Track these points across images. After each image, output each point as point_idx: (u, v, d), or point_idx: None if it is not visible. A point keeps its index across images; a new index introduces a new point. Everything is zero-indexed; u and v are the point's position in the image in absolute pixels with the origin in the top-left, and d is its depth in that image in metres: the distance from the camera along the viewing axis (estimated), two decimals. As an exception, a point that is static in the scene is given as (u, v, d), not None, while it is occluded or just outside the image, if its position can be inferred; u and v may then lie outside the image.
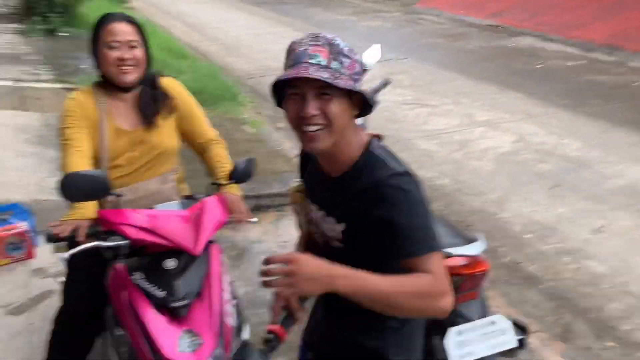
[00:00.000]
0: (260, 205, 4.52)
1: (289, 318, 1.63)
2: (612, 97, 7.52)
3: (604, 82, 8.22)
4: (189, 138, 2.64)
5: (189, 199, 2.53)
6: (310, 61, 1.51)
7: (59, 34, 9.84)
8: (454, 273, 2.42)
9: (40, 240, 4.09)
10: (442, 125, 6.76)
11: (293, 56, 1.54)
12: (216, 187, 2.50)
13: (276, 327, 1.61)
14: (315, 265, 1.45)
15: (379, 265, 1.53)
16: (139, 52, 2.41)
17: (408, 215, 1.53)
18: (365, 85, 3.39)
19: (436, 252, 1.55)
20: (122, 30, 2.38)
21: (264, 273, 1.47)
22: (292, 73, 1.49)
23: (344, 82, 1.51)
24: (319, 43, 1.53)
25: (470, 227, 4.61)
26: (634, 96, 7.56)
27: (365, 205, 1.56)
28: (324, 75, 1.48)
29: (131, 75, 2.41)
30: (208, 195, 2.42)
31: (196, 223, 2.22)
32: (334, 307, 1.78)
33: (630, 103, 7.28)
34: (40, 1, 9.71)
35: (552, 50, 10.09)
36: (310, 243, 1.85)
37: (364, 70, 3.19)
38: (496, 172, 5.56)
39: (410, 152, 5.94)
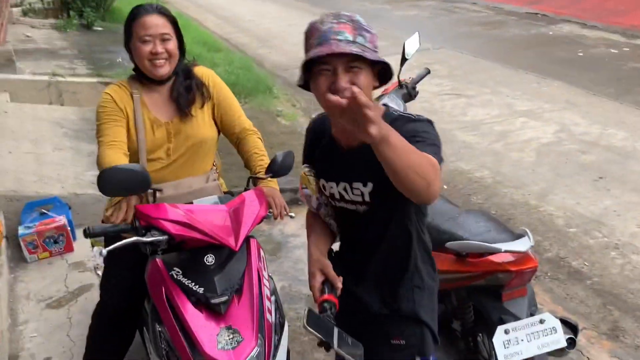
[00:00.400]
0: (296, 199, 4.49)
1: (332, 288, 1.78)
2: (659, 85, 7.29)
3: (649, 69, 7.97)
4: (224, 127, 2.61)
5: (227, 194, 2.50)
6: (338, 37, 1.62)
7: (94, 28, 9.95)
8: (503, 269, 2.35)
9: (79, 233, 4.14)
10: (482, 116, 6.63)
11: (318, 35, 1.64)
12: (254, 180, 2.47)
13: (328, 296, 1.74)
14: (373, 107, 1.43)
15: (403, 216, 1.82)
16: (171, 45, 2.39)
17: (426, 135, 1.68)
18: (405, 75, 3.34)
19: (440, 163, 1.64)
20: (154, 23, 2.36)
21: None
22: (325, 50, 1.60)
23: (371, 54, 1.63)
24: (343, 20, 1.65)
25: (511, 220, 4.50)
26: (682, 84, 7.31)
27: None
28: (354, 49, 1.60)
29: (164, 69, 2.40)
30: (246, 189, 2.39)
31: (235, 218, 2.19)
32: (367, 284, 1.94)
33: (678, 91, 7.04)
34: (75, -4, 9.86)
35: (593, 37, 9.81)
36: (336, 214, 1.98)
37: (405, 59, 3.13)
38: (538, 164, 5.42)
39: (449, 144, 5.84)
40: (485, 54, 9.15)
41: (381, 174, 1.62)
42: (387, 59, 1.66)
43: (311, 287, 1.80)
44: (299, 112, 6.99)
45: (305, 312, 1.63)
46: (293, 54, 9.71)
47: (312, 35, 1.67)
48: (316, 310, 1.71)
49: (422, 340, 1.93)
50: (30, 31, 9.42)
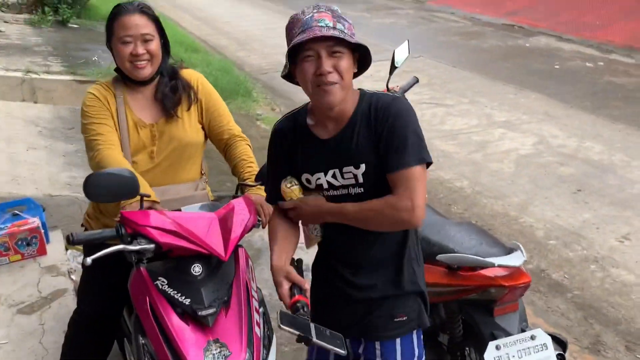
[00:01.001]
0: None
1: (300, 290, 1.84)
2: (634, 100, 7.38)
3: (624, 84, 8.07)
4: (212, 133, 2.54)
5: (215, 201, 2.43)
6: (319, 24, 1.73)
7: (70, 25, 9.75)
8: (496, 284, 2.31)
9: (52, 236, 4.00)
10: (460, 126, 6.64)
11: (300, 24, 1.76)
12: (242, 187, 2.40)
13: (298, 297, 1.80)
14: (312, 206, 1.90)
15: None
16: (153, 46, 2.31)
17: (406, 126, 1.80)
18: (392, 83, 3.30)
19: (422, 165, 1.81)
20: (135, 23, 2.28)
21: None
22: (308, 35, 1.71)
23: (351, 38, 1.75)
24: (322, 10, 1.77)
25: (491, 231, 4.48)
26: (656, 99, 7.43)
27: (374, 131, 1.81)
28: (335, 33, 1.71)
29: (145, 70, 2.32)
30: (235, 196, 2.32)
31: (224, 226, 2.11)
32: (367, 270, 1.97)
33: (652, 106, 7.15)
34: (51, -8, 9.64)
35: (569, 50, 9.94)
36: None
37: (394, 67, 3.09)
38: (517, 175, 5.44)
39: (428, 153, 5.83)
40: (463, 63, 9.19)
41: (371, 155, 1.81)
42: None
43: (280, 295, 1.86)
44: (278, 116, 6.91)
45: (278, 313, 1.69)
46: (273, 57, 9.64)
47: (295, 25, 1.79)
48: (288, 312, 1.77)
49: (420, 312, 2.00)
50: (4, 26, 9.18)
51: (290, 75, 1.88)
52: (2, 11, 10.14)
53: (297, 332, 1.66)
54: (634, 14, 10.79)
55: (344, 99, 1.81)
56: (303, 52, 1.76)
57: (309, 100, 1.90)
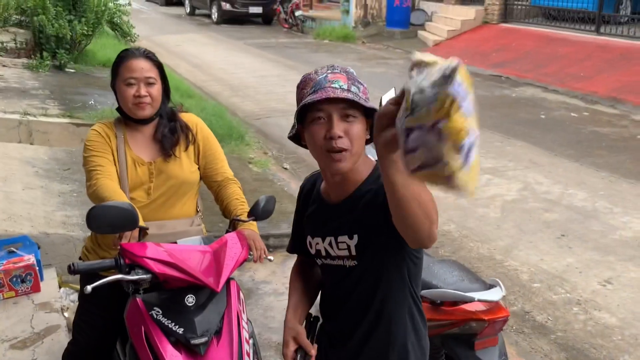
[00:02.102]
0: (268, 246, 4.47)
1: (305, 355, 1.81)
2: (617, 149, 7.60)
3: (607, 134, 8.31)
4: (207, 175, 2.67)
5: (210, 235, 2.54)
6: (333, 86, 1.64)
7: (67, 70, 9.95)
8: (476, 318, 2.42)
9: (46, 274, 4.07)
10: (448, 172, 6.80)
11: (313, 84, 1.68)
12: (235, 223, 2.51)
13: None
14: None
15: (395, 272, 1.72)
16: (155, 89, 2.47)
17: None
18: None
19: None
20: (140, 67, 2.44)
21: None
22: (321, 95, 1.62)
23: (365, 102, 1.65)
24: (337, 71, 1.70)
25: (477, 274, 4.59)
26: (638, 149, 7.63)
27: (376, 200, 1.64)
28: (349, 96, 1.62)
29: (146, 111, 2.47)
30: (228, 231, 2.44)
31: (217, 259, 2.22)
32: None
33: (635, 155, 7.35)
34: (49, 37, 9.84)
35: (555, 101, 10.22)
36: (324, 272, 1.93)
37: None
38: (503, 220, 5.58)
39: (416, 197, 5.96)
40: (451, 112, 9.41)
41: (367, 226, 1.68)
42: None
43: (284, 355, 1.83)
44: (270, 159, 7.07)
45: None
46: (266, 104, 9.87)
47: (307, 85, 1.70)
48: None
49: None
50: (2, 70, 9.37)
51: (297, 136, 1.79)
52: (1, 55, 10.34)
53: None
54: (617, 66, 11.15)
55: (352, 167, 1.70)
56: (314, 112, 1.66)
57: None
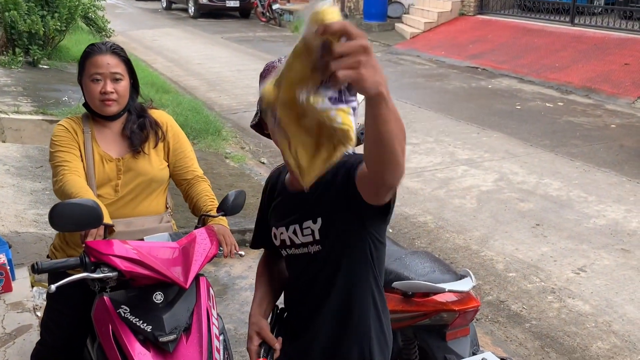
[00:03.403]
0: (244, 240, 4.49)
1: (269, 350, 1.82)
2: (591, 139, 7.67)
3: (581, 123, 8.38)
4: (176, 173, 2.63)
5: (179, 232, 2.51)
6: None
7: (40, 66, 9.80)
8: (446, 309, 2.42)
9: (18, 273, 4.01)
10: (425, 164, 6.83)
11: (275, 72, 1.61)
12: (205, 219, 2.49)
13: (262, 359, 1.79)
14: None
15: (358, 255, 1.73)
16: (121, 85, 2.42)
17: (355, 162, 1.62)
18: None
19: None
20: (106, 63, 2.39)
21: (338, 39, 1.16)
22: None
23: None
24: None
25: (453, 264, 4.61)
26: (612, 138, 7.72)
27: (336, 182, 1.66)
28: None
29: (112, 107, 2.43)
30: (197, 227, 2.41)
31: (186, 256, 2.20)
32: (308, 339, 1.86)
33: (608, 144, 7.43)
34: (22, 33, 9.67)
35: (530, 91, 10.29)
36: (288, 263, 1.95)
37: (353, 109, 3.24)
38: (479, 210, 5.60)
39: (393, 189, 5.97)
40: (428, 104, 9.46)
41: (329, 205, 1.70)
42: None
43: (248, 350, 1.85)
44: (247, 154, 7.03)
45: None
46: (243, 98, 9.81)
47: (269, 73, 1.69)
48: None
49: None
50: (-27, 66, 9.22)
51: (260, 125, 1.84)
52: (-28, 52, 10.17)
53: None
54: (591, 57, 11.25)
55: None
56: None
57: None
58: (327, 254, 1.76)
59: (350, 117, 1.22)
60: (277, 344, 1.83)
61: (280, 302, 2.05)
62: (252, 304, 1.95)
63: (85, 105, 2.51)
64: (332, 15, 1.11)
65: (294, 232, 1.81)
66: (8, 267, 3.88)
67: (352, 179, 1.59)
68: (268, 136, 1.79)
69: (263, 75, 1.74)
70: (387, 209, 1.60)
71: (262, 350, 1.82)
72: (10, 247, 4.08)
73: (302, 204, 1.78)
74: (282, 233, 1.86)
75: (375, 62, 1.15)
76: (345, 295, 1.79)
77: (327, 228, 1.73)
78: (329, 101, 1.18)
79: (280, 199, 1.90)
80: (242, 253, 2.46)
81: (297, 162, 1.34)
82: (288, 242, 1.84)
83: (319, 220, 1.73)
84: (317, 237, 1.75)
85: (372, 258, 1.78)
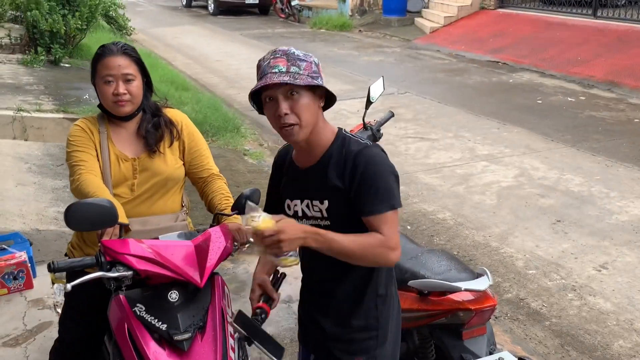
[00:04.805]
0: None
1: (268, 299, 2.07)
2: (613, 133, 7.55)
3: (604, 118, 8.26)
4: (192, 171, 2.63)
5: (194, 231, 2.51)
6: (273, 71, 1.86)
7: (62, 64, 9.91)
8: (462, 308, 2.39)
9: (39, 270, 4.06)
10: (444, 159, 6.78)
11: (260, 71, 1.91)
12: (220, 217, 2.48)
13: (262, 304, 2.04)
14: (293, 229, 1.78)
15: (360, 225, 1.91)
16: (134, 86, 2.42)
17: (377, 176, 1.89)
18: (370, 117, 3.43)
19: (394, 210, 1.90)
20: (117, 64, 2.39)
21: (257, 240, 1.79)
22: (260, 83, 1.87)
23: (302, 80, 1.85)
24: (277, 55, 1.89)
25: (472, 261, 4.58)
26: (635, 132, 7.59)
27: (342, 175, 1.91)
28: (284, 78, 1.83)
29: (126, 108, 2.44)
30: (212, 225, 2.41)
31: (201, 254, 2.19)
32: (325, 303, 2.10)
33: (631, 139, 7.31)
34: (43, 32, 9.78)
35: (552, 85, 10.16)
36: None
37: (370, 102, 3.23)
38: (499, 207, 5.55)
39: (412, 186, 5.94)
40: (448, 99, 9.39)
41: (335, 194, 1.92)
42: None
43: (250, 300, 2.08)
44: (265, 151, 7.04)
45: (236, 312, 1.96)
46: (261, 95, 9.81)
47: (258, 71, 1.93)
48: (247, 315, 1.99)
49: (378, 350, 2.06)
50: (-4, 66, 9.35)
51: (262, 111, 2.02)
52: (-4, 51, 10.32)
53: (243, 332, 1.93)
54: (613, 50, 11.07)
55: (310, 135, 1.92)
56: (263, 96, 1.92)
57: None
58: (334, 229, 1.91)
59: (289, 257, 1.84)
60: (275, 295, 2.08)
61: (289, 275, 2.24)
62: (256, 265, 2.18)
63: (100, 106, 2.52)
64: (266, 224, 1.77)
65: (307, 206, 2.01)
66: (29, 265, 3.94)
67: (356, 206, 1.90)
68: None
69: (257, 71, 1.94)
70: None
71: (262, 299, 2.06)
72: (31, 244, 4.14)
73: (312, 182, 1.98)
74: (295, 205, 2.05)
75: (289, 235, 1.75)
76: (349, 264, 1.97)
77: (333, 209, 1.94)
78: (274, 256, 1.81)
79: (292, 175, 2.08)
80: (252, 239, 2.46)
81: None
82: (300, 214, 2.03)
83: (326, 202, 1.95)
84: (325, 215, 1.96)
85: None
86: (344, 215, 1.93)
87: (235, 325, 1.93)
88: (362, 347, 2.05)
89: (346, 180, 1.90)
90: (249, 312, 2.05)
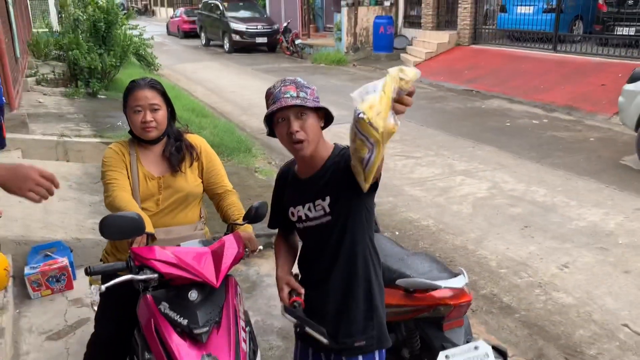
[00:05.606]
0: (270, 243, 4.48)
1: (298, 293, 2.04)
2: (572, 151, 7.56)
3: (564, 137, 8.27)
4: (209, 188, 2.64)
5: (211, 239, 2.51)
6: (285, 96, 1.91)
7: (99, 96, 9.95)
8: (443, 303, 2.39)
9: (78, 273, 4.05)
10: (427, 174, 6.78)
11: (272, 97, 1.93)
12: (233, 226, 2.49)
13: (295, 298, 2.01)
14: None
15: (357, 220, 1.97)
16: (159, 114, 2.45)
17: None
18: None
19: None
20: (144, 96, 2.41)
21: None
22: (276, 105, 1.91)
23: (310, 103, 1.92)
24: (287, 83, 1.94)
25: (452, 262, 4.57)
26: (591, 149, 7.60)
27: (338, 169, 1.94)
28: (297, 102, 1.90)
29: (152, 133, 2.46)
30: (226, 233, 2.41)
31: (216, 258, 2.19)
32: (324, 291, 2.06)
33: (588, 155, 7.31)
34: (83, 69, 9.85)
35: (519, 110, 10.18)
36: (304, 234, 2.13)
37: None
38: (474, 215, 5.54)
39: (399, 197, 5.94)
40: (429, 122, 9.40)
41: (335, 186, 1.95)
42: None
43: (281, 298, 2.04)
44: (274, 168, 7.03)
45: (282, 307, 2.02)
46: (269, 121, 9.83)
47: (269, 97, 1.96)
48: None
49: (379, 336, 2.05)
50: (42, 98, 9.37)
51: (272, 133, 2.04)
52: (43, 85, 10.35)
53: (295, 321, 1.99)
54: (572, 79, 11.11)
55: (314, 149, 1.96)
56: (276, 117, 1.94)
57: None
58: (335, 222, 1.97)
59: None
60: (302, 289, 2.04)
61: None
62: (276, 268, 2.14)
63: (130, 132, 2.54)
64: (413, 74, 1.63)
65: (309, 209, 2.02)
66: (70, 269, 3.94)
67: (349, 168, 1.83)
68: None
69: (266, 98, 1.98)
70: (375, 185, 1.87)
71: (293, 294, 2.03)
72: (71, 251, 4.14)
73: (313, 187, 2.00)
74: (298, 211, 2.06)
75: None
76: (351, 251, 2.01)
77: (334, 203, 1.97)
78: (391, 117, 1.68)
79: (295, 186, 2.10)
80: (261, 247, 2.47)
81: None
82: (304, 217, 2.05)
83: (328, 198, 1.97)
84: (328, 210, 1.98)
85: (366, 221, 2.02)
86: (342, 206, 1.95)
87: (287, 315, 1.99)
88: (361, 329, 2.03)
89: (341, 167, 1.92)
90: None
